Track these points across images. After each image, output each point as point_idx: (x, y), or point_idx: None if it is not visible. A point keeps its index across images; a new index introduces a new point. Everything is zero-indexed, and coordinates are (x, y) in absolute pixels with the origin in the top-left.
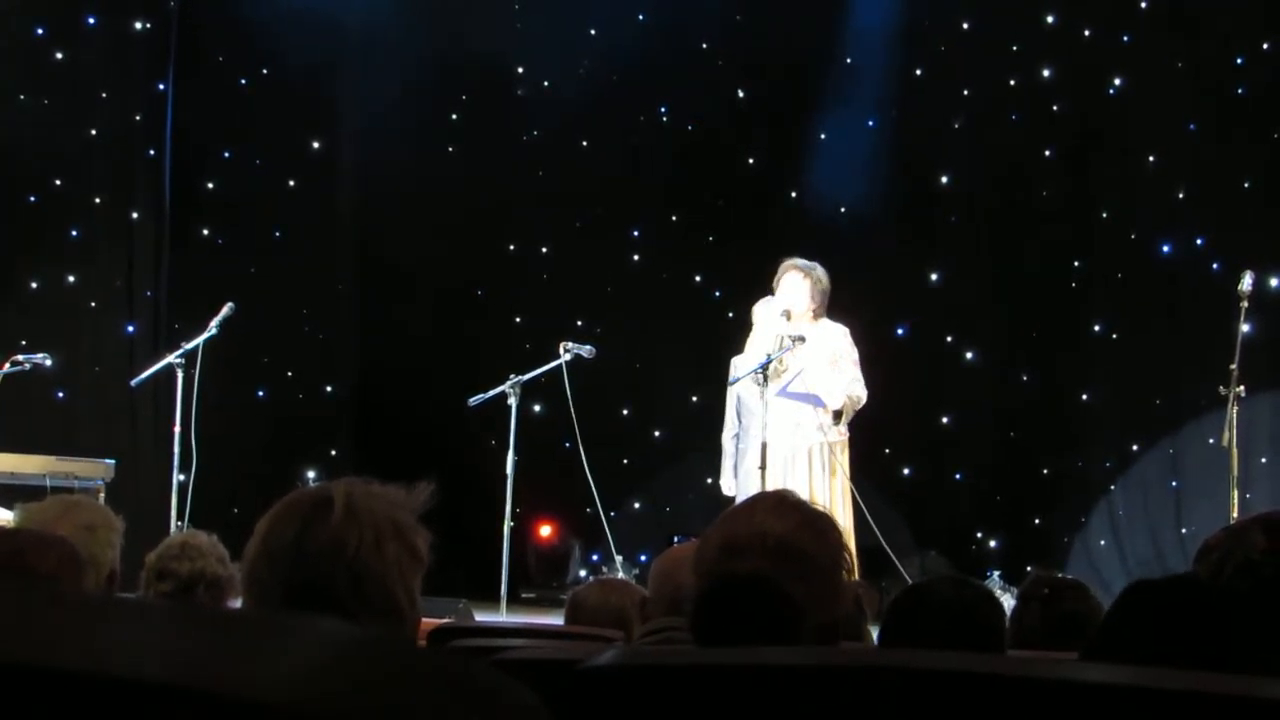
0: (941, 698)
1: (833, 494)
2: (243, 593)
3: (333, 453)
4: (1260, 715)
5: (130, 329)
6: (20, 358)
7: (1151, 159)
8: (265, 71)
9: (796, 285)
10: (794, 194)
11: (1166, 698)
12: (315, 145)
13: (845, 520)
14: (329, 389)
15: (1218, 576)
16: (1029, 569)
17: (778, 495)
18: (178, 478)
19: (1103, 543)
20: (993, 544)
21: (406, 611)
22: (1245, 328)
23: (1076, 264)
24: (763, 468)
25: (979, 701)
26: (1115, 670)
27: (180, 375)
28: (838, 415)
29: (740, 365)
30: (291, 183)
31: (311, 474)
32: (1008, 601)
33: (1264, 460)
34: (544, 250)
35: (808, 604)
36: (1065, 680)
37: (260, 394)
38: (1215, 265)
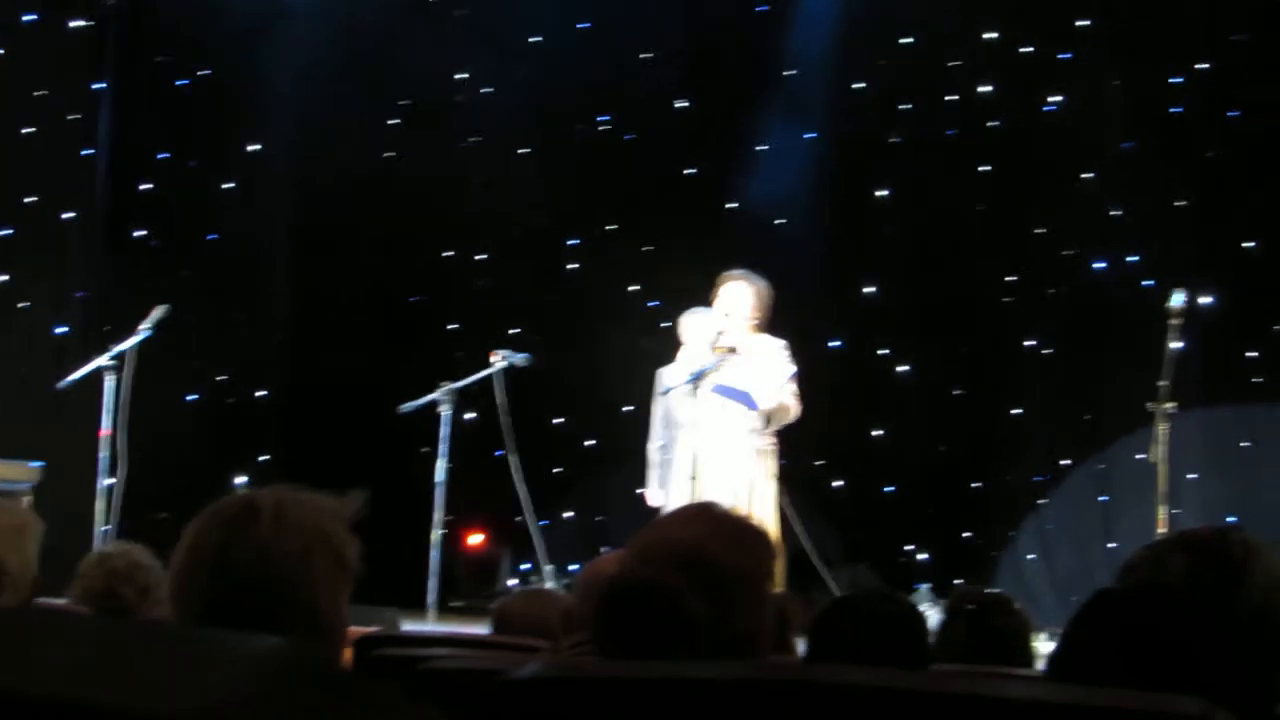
0: (866, 713)
1: (763, 501)
2: (169, 600)
3: (263, 458)
4: None
5: (61, 330)
6: None
7: (1086, 176)
8: (203, 73)
9: (739, 295)
10: (732, 205)
11: (1085, 714)
12: (251, 148)
13: (772, 529)
14: (261, 394)
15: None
16: (957, 583)
17: (699, 506)
18: (106, 482)
19: (1031, 557)
20: (922, 557)
21: (331, 624)
22: (1175, 345)
23: (1010, 279)
24: (693, 478)
25: (902, 717)
26: (1034, 686)
27: (110, 378)
28: (766, 419)
29: (669, 376)
30: (227, 185)
31: (241, 479)
32: (937, 615)
33: (1192, 476)
34: (480, 258)
35: (718, 613)
36: (988, 697)
37: (191, 398)
38: (1147, 283)
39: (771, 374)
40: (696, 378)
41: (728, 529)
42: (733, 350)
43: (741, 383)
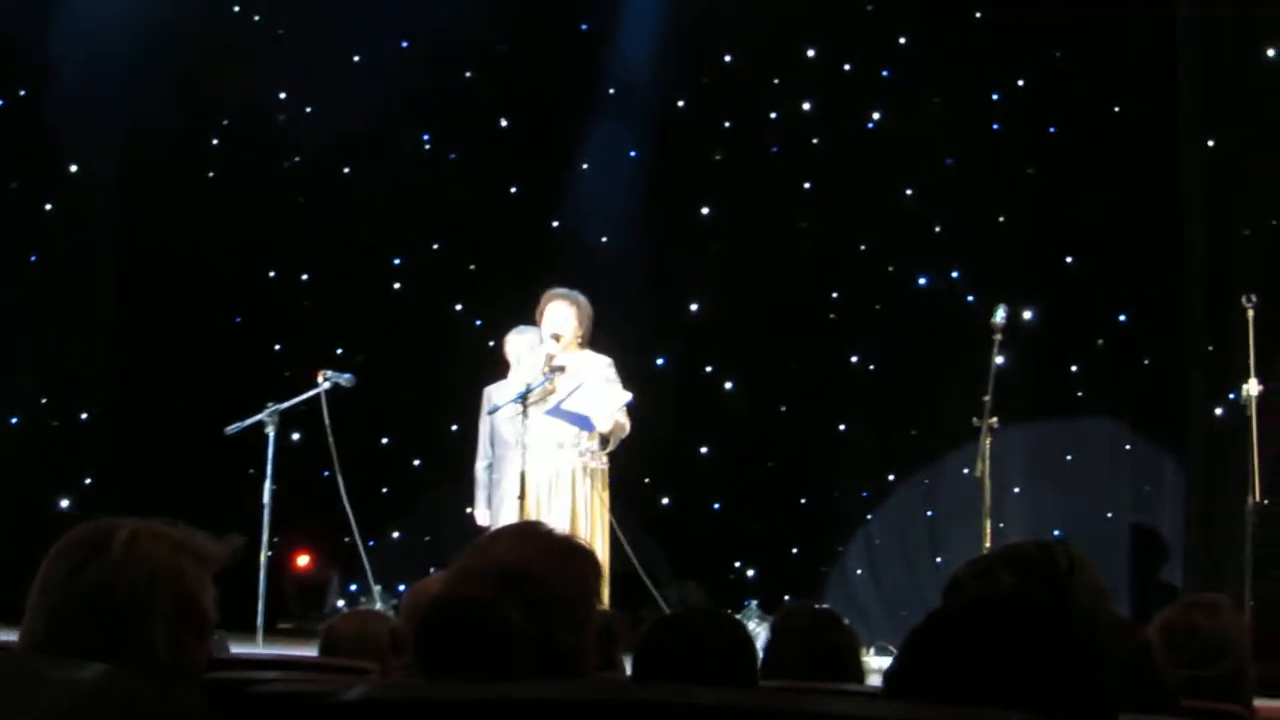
0: None
1: (592, 519)
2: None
3: (87, 481)
4: None
5: None
6: None
7: (909, 192)
8: (22, 93)
9: (562, 314)
10: (555, 223)
11: None
12: (73, 169)
13: (602, 548)
14: (84, 416)
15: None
16: (786, 599)
17: (523, 525)
18: None
19: (859, 572)
20: (750, 574)
21: (173, 661)
22: (998, 360)
23: (835, 295)
24: (521, 497)
25: None
26: (863, 703)
27: None
28: (604, 441)
29: (496, 394)
30: (48, 206)
31: (65, 502)
32: (765, 632)
33: (1016, 490)
34: (304, 277)
35: (540, 631)
36: (819, 714)
37: (13, 420)
38: (970, 298)
39: (607, 394)
40: (523, 396)
41: (551, 547)
42: (562, 369)
43: (578, 405)
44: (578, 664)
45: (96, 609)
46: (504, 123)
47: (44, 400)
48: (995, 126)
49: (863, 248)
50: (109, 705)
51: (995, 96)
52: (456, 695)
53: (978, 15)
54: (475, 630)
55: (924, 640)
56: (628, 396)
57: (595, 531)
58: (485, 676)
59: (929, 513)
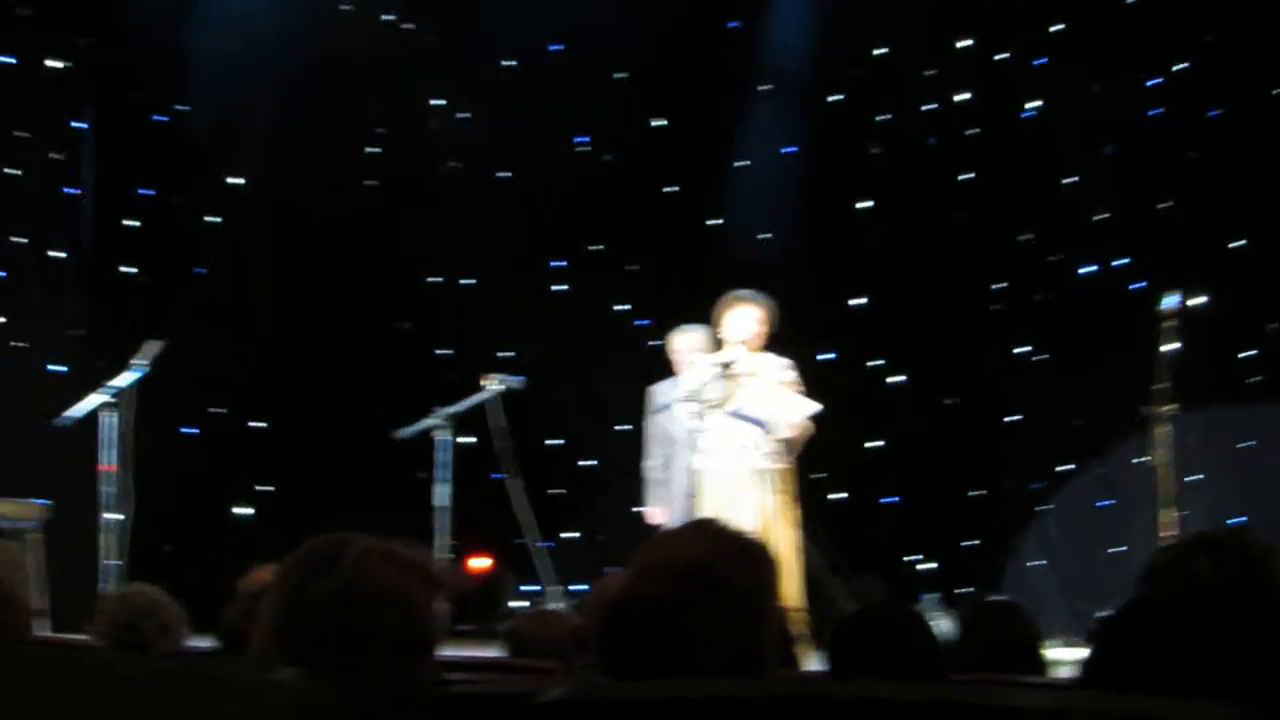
0: None
1: (778, 519)
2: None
3: (265, 489)
4: None
5: (55, 368)
6: None
7: (1069, 180)
8: (184, 109)
9: (747, 316)
10: (714, 221)
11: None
12: (234, 182)
13: (788, 547)
14: (257, 425)
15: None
16: (963, 592)
17: (697, 522)
18: (107, 517)
19: (1035, 564)
20: (926, 567)
21: (384, 678)
22: (1170, 347)
23: (998, 287)
24: (693, 495)
25: None
26: (1063, 696)
27: (109, 414)
28: (787, 444)
29: (661, 394)
30: (212, 219)
31: (243, 510)
32: (944, 625)
33: (1192, 478)
34: (467, 283)
35: (723, 629)
36: (1010, 707)
37: (189, 431)
38: (1136, 285)
39: (796, 403)
40: (693, 395)
41: (728, 544)
42: (728, 365)
43: (760, 409)
44: (760, 661)
45: (322, 622)
46: (658, 122)
47: (218, 410)
48: (1153, 112)
49: (1023, 238)
50: (303, 711)
51: (1152, 82)
52: (653, 695)
53: (1130, 0)
54: (659, 628)
55: (1122, 630)
56: (817, 407)
57: (781, 531)
58: (669, 674)
59: (1104, 502)
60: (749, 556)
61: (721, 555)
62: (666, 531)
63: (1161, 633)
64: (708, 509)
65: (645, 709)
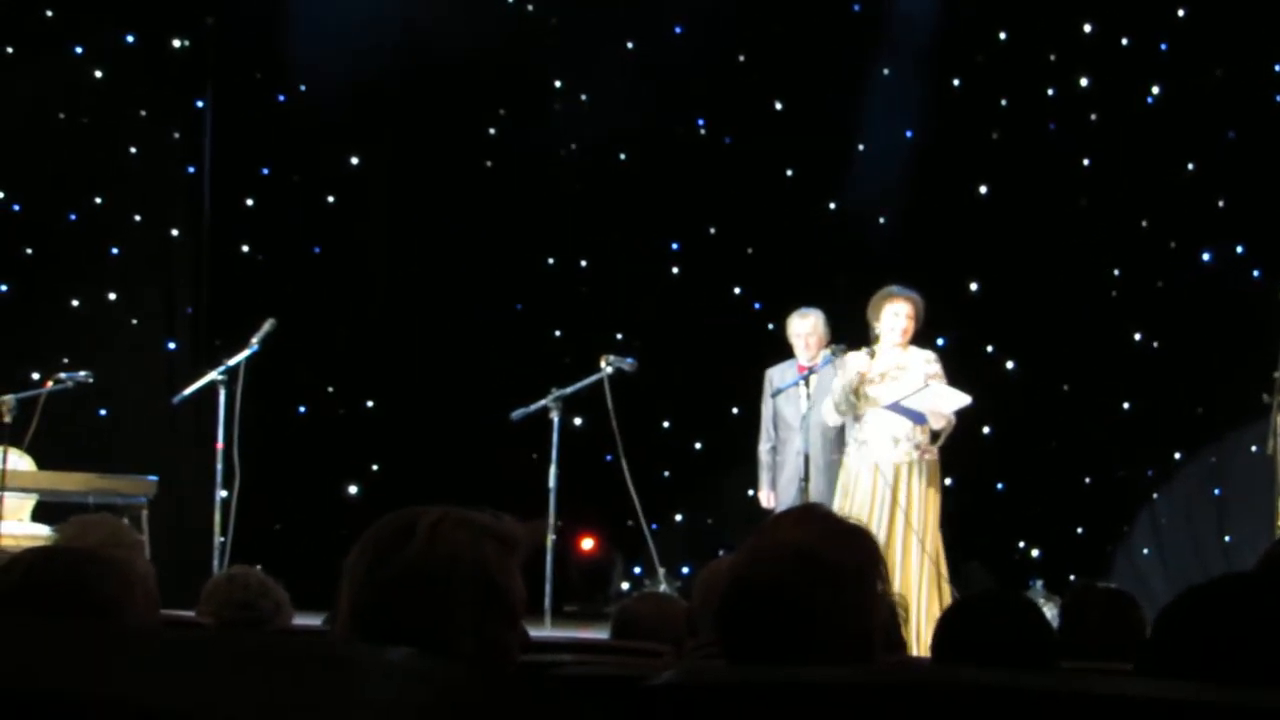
0: (1003, 715)
1: (926, 511)
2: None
3: (374, 468)
4: None
5: (171, 346)
6: (63, 376)
7: (1190, 167)
8: (303, 88)
9: (902, 313)
10: (832, 205)
11: (1216, 711)
12: (353, 161)
13: (934, 535)
14: (369, 404)
15: None
16: (1072, 579)
17: (804, 507)
18: (220, 494)
19: (1146, 552)
20: (1035, 554)
21: (479, 650)
22: None
23: (1116, 273)
24: (805, 479)
25: (1034, 717)
26: (1170, 685)
27: (222, 392)
28: (935, 435)
29: (778, 377)
30: (330, 199)
31: (353, 489)
32: (1050, 611)
33: None
34: (583, 264)
35: (835, 613)
36: (1115, 695)
37: (301, 410)
38: (1256, 273)
39: (950, 396)
40: (804, 379)
41: (835, 529)
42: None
43: (919, 402)
44: (870, 645)
45: (399, 597)
46: (778, 105)
47: (330, 389)
48: (1278, 97)
49: (1144, 224)
50: (423, 689)
51: (1278, 67)
52: (764, 680)
53: None
54: (777, 611)
55: (1187, 616)
56: (968, 400)
57: (929, 523)
58: (787, 657)
59: (1216, 491)
60: (855, 541)
61: (830, 539)
62: (775, 517)
63: (1227, 618)
64: (859, 499)
65: (755, 694)
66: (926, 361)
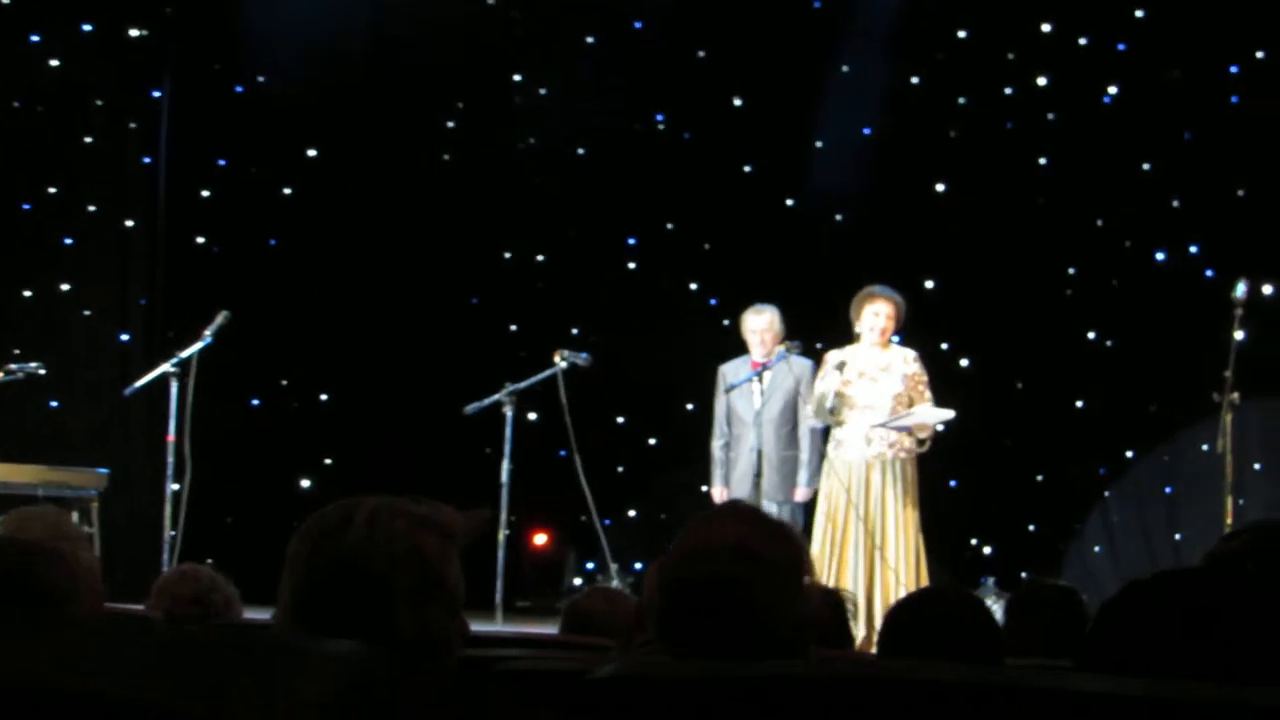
0: (945, 709)
1: (903, 506)
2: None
3: (327, 461)
4: None
5: (124, 337)
6: (13, 366)
7: (1146, 166)
8: (261, 80)
9: (883, 312)
10: (790, 201)
11: (1159, 707)
12: (311, 154)
13: (913, 532)
14: (323, 397)
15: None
16: (1024, 576)
17: (733, 504)
18: (172, 487)
19: (1097, 549)
20: (987, 551)
21: (417, 639)
22: (1239, 335)
23: (1071, 271)
24: (758, 475)
25: (976, 712)
26: (1108, 680)
27: (174, 384)
28: (920, 441)
29: (730, 373)
30: (287, 191)
31: (306, 482)
32: (1001, 608)
33: (1258, 466)
34: (540, 258)
35: (772, 607)
36: (1057, 690)
37: (255, 402)
38: (1209, 272)
39: (933, 413)
40: (758, 375)
41: (767, 525)
42: (883, 368)
43: (906, 420)
44: (805, 637)
45: (338, 587)
46: (737, 102)
47: (284, 382)
48: (1233, 99)
49: (1099, 223)
50: (367, 681)
51: (1233, 69)
52: (703, 673)
53: None
54: (718, 606)
55: (1122, 612)
56: (951, 414)
57: (907, 521)
58: (727, 652)
59: (1168, 489)
60: (786, 537)
61: (765, 536)
62: (703, 515)
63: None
64: (839, 498)
65: (695, 687)
66: (905, 361)
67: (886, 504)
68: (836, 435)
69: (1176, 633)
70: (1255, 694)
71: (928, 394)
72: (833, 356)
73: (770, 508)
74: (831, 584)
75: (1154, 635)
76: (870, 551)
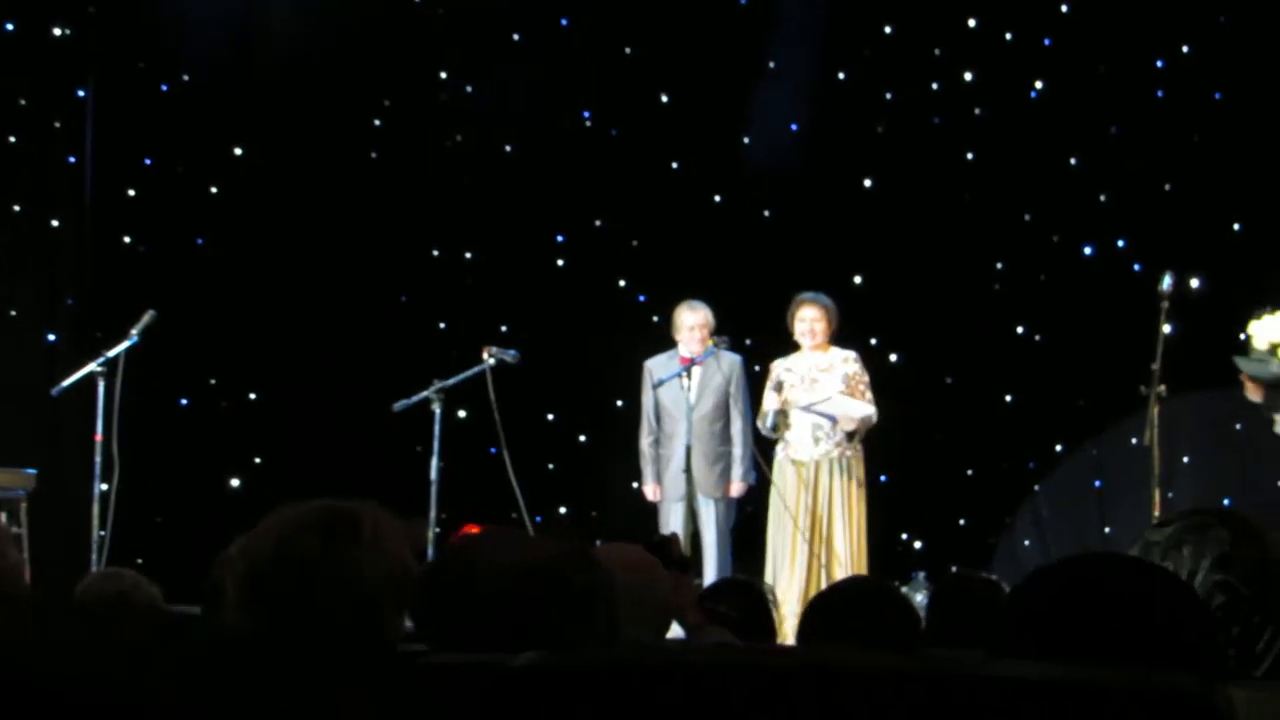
0: (862, 695)
1: (850, 500)
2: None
3: (257, 460)
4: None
5: (51, 337)
6: None
7: (1073, 161)
8: (186, 78)
9: (811, 318)
10: (717, 198)
11: (1070, 690)
12: (237, 152)
13: (859, 531)
14: (252, 396)
15: (1194, 573)
16: (953, 570)
17: (504, 530)
18: (100, 487)
19: (1027, 543)
20: (918, 545)
21: (351, 639)
22: (1166, 328)
23: (999, 266)
24: (688, 470)
25: (891, 698)
26: (1020, 666)
27: (102, 384)
28: (850, 435)
29: (658, 368)
30: (213, 190)
31: (235, 482)
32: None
33: (1185, 459)
34: (468, 255)
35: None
36: (971, 676)
37: (183, 402)
38: (1136, 266)
39: (854, 406)
40: (685, 371)
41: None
42: (825, 369)
43: (829, 407)
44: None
45: (343, 596)
46: (664, 98)
47: (212, 381)
48: (1159, 94)
49: (1027, 218)
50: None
51: (1159, 64)
52: (626, 661)
53: None
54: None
55: (1030, 598)
56: (871, 410)
57: (854, 518)
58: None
59: (1097, 483)
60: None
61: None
62: (475, 537)
63: (1073, 599)
64: (790, 495)
65: (609, 674)
66: (845, 361)
67: (835, 501)
68: (786, 436)
69: (1083, 618)
70: (1157, 677)
71: (868, 394)
72: (776, 367)
73: (705, 503)
74: (782, 582)
75: (1061, 620)
76: (817, 547)
